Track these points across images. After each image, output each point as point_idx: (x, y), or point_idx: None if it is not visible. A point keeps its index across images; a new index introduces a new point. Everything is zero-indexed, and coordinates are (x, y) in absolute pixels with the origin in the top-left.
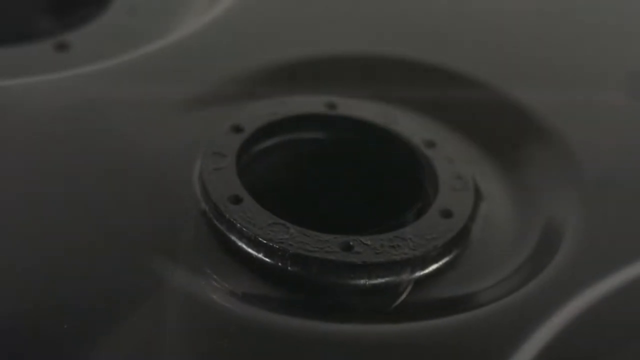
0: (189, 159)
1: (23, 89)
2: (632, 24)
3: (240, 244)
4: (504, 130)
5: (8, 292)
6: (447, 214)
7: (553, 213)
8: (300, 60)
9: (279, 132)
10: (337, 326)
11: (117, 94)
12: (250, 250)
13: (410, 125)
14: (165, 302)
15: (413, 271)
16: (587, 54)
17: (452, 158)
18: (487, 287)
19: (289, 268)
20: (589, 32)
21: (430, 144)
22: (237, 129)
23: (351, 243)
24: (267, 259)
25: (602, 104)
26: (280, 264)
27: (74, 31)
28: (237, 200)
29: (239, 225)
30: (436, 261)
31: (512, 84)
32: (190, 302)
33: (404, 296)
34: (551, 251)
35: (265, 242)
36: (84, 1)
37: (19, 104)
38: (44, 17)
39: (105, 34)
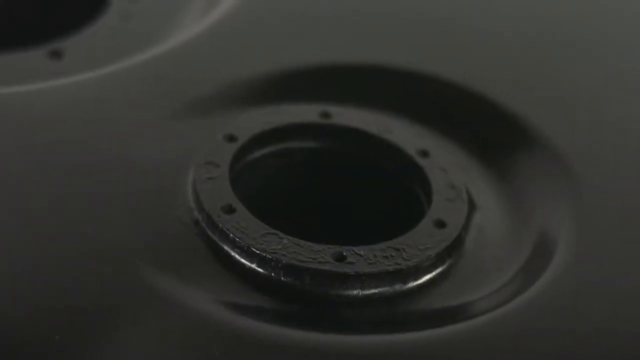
0: (182, 168)
1: (16, 96)
2: (629, 31)
3: (233, 254)
4: (498, 140)
5: None
6: (440, 224)
7: (546, 223)
8: (294, 69)
9: (272, 142)
10: (330, 337)
11: (111, 101)
12: (243, 260)
13: (404, 135)
14: (157, 312)
15: (406, 281)
16: (583, 63)
17: (446, 168)
18: (481, 297)
19: (282, 278)
20: (584, 40)
21: (424, 154)
22: (231, 138)
23: (344, 253)
24: (260, 269)
25: (596, 113)
26: (273, 274)
27: (68, 38)
28: (230, 210)
29: (231, 235)
30: (429, 271)
31: (507, 94)
32: (181, 312)
33: None
34: (545, 262)
35: (258, 252)
36: (78, 8)
37: (12, 111)
38: (37, 24)
39: (99, 41)
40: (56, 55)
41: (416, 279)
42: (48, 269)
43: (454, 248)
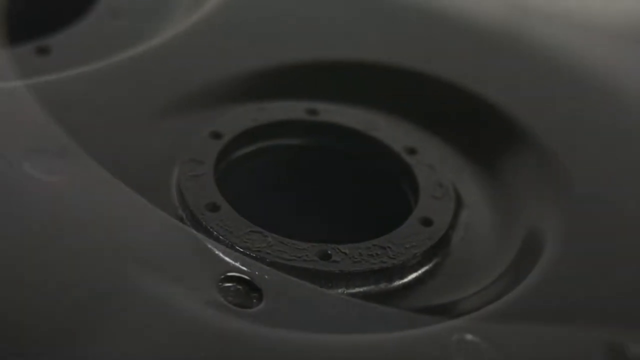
0: (167, 165)
1: (2, 93)
2: (620, 27)
3: (217, 252)
4: (486, 138)
5: None
6: (427, 222)
7: (535, 221)
8: (281, 66)
9: (258, 139)
10: (314, 336)
11: (97, 98)
12: (227, 258)
13: (391, 132)
14: (140, 310)
15: (392, 280)
16: (574, 60)
17: (433, 165)
18: (467, 296)
19: (266, 277)
20: (575, 36)
21: (412, 151)
22: (216, 135)
23: (329, 252)
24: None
25: (585, 110)
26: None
27: (55, 35)
28: (214, 208)
29: (215, 233)
30: (415, 270)
31: (496, 91)
32: (165, 310)
33: None
34: (533, 260)
35: (242, 250)
36: (66, 4)
37: None
38: (25, 20)
39: (86, 37)
40: (43, 52)
41: (402, 277)
42: (29, 270)
43: (441, 246)
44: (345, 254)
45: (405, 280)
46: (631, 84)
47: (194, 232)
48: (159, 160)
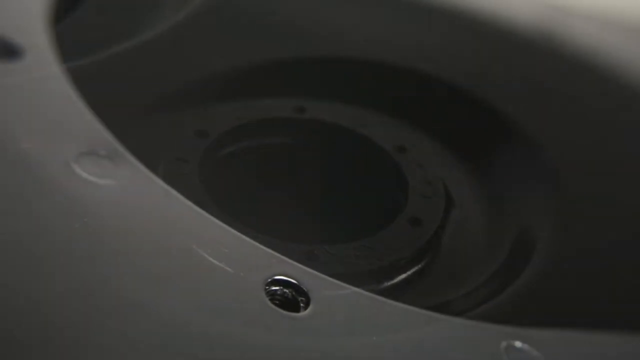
0: (152, 163)
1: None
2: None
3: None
4: (477, 136)
5: None
6: (416, 222)
7: (526, 221)
8: (269, 63)
9: (245, 137)
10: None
11: (82, 96)
12: (212, 259)
13: (380, 130)
14: (127, 315)
15: (380, 282)
16: (565, 56)
17: (423, 164)
18: (457, 297)
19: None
20: (567, 32)
21: (401, 149)
22: (202, 134)
23: (316, 252)
24: (229, 269)
25: (577, 108)
26: (242, 273)
27: None
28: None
29: None
30: (404, 271)
31: (487, 89)
32: (150, 314)
33: None
34: (524, 259)
35: (227, 251)
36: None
37: None
38: None
39: (72, 34)
40: None
41: (391, 278)
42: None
43: (430, 246)
44: (333, 254)
45: (394, 281)
46: (634, 78)
47: (241, 235)
48: (144, 158)
